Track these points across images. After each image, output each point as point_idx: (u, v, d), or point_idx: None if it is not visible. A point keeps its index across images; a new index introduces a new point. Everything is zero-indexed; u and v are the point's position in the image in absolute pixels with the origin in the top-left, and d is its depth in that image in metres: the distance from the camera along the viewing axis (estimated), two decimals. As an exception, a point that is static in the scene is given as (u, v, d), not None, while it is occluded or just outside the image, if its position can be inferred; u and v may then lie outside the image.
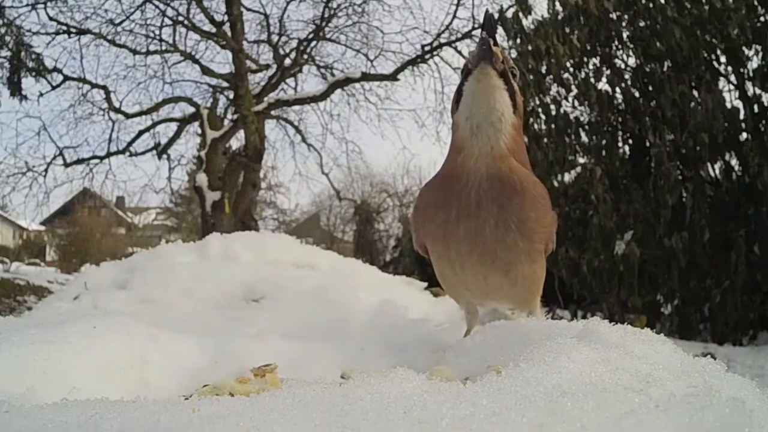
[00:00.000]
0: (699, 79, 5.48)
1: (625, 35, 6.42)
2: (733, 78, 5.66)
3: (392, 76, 11.43)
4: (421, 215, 1.21)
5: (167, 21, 11.06)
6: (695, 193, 5.17)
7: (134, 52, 11.30)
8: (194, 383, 0.95)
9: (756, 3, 5.29)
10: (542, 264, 1.20)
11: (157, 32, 11.16)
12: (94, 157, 12.26)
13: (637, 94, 6.28)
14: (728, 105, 5.34)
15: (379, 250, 18.83)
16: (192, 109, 11.55)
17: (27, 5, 10.17)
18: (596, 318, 0.94)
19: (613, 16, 6.29)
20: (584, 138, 6.56)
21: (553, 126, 6.47)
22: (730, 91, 5.65)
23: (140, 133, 12.13)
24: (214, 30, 10.83)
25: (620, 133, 6.50)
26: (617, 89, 6.33)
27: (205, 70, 11.51)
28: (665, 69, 5.70)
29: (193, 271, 1.99)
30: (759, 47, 5.33)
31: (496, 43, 1.10)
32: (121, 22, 10.89)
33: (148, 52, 11.46)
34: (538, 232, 1.13)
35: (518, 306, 1.26)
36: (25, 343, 0.87)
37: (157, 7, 10.85)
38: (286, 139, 13.31)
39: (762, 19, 5.30)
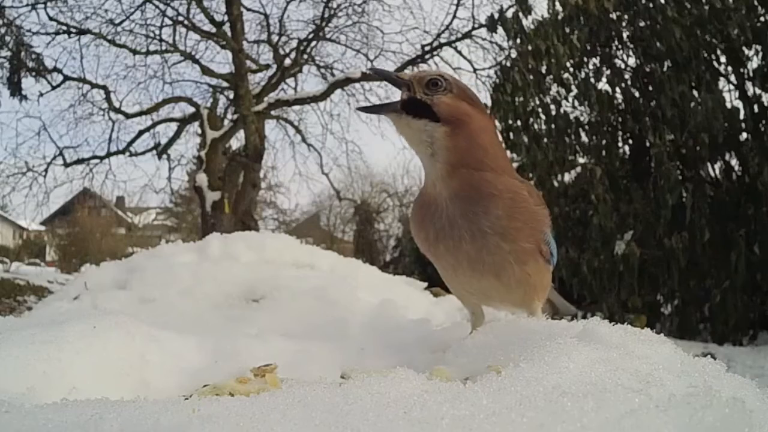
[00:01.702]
0: (699, 79, 5.48)
1: (625, 35, 6.42)
2: (733, 78, 5.66)
3: (392, 76, 11.40)
4: (411, 228, 1.26)
5: (167, 21, 11.08)
6: (695, 193, 5.18)
7: (134, 52, 11.31)
8: (194, 383, 0.95)
9: (756, 3, 5.29)
10: (537, 268, 1.16)
11: (157, 32, 11.18)
12: (94, 157, 12.27)
13: (637, 94, 6.28)
14: (728, 105, 5.35)
15: (379, 250, 18.85)
16: (192, 109, 11.55)
17: (27, 5, 10.18)
18: (596, 318, 0.94)
19: (613, 16, 6.30)
20: (584, 138, 6.56)
21: (553, 126, 6.47)
22: (730, 91, 5.66)
23: (140, 133, 12.14)
24: (214, 30, 10.83)
25: (620, 133, 6.51)
26: (617, 89, 6.34)
27: (205, 70, 11.52)
28: (665, 69, 5.70)
29: (193, 271, 1.99)
30: (759, 47, 5.33)
31: (395, 80, 1.13)
32: (121, 22, 10.91)
33: (148, 52, 11.46)
34: (517, 229, 1.11)
35: (517, 309, 1.26)
36: (25, 343, 0.87)
37: (157, 7, 10.87)
38: (286, 139, 13.34)
39: (762, 19, 5.30)
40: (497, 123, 6.66)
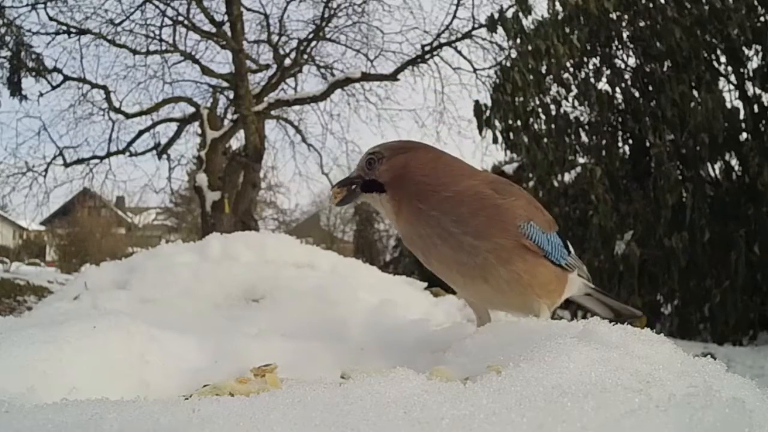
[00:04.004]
0: (699, 79, 5.48)
1: (625, 35, 6.42)
2: (733, 78, 5.67)
3: (392, 76, 11.44)
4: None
5: (167, 21, 11.10)
6: (695, 193, 5.18)
7: (134, 52, 11.32)
8: (194, 383, 0.95)
9: (756, 3, 5.29)
10: (527, 266, 1.14)
11: (157, 32, 11.20)
12: (94, 157, 12.28)
13: (637, 94, 6.28)
14: (728, 105, 5.35)
15: (379, 250, 18.85)
16: (192, 109, 11.56)
17: (27, 5, 10.19)
18: (596, 318, 0.94)
19: (613, 16, 6.30)
20: (584, 138, 6.56)
21: (553, 126, 6.47)
22: (730, 91, 5.66)
23: (140, 133, 12.15)
24: (214, 30, 10.84)
25: (620, 133, 6.51)
26: (617, 89, 6.34)
27: (205, 70, 11.52)
28: (665, 69, 5.70)
29: (193, 271, 1.98)
30: (759, 47, 5.33)
31: (352, 179, 1.29)
32: (121, 22, 10.92)
33: (148, 52, 11.47)
34: (484, 224, 1.11)
35: (520, 313, 1.25)
36: (25, 343, 0.87)
37: (157, 7, 10.88)
38: (286, 139, 13.36)
39: (762, 19, 5.30)
40: (497, 123, 6.66)
